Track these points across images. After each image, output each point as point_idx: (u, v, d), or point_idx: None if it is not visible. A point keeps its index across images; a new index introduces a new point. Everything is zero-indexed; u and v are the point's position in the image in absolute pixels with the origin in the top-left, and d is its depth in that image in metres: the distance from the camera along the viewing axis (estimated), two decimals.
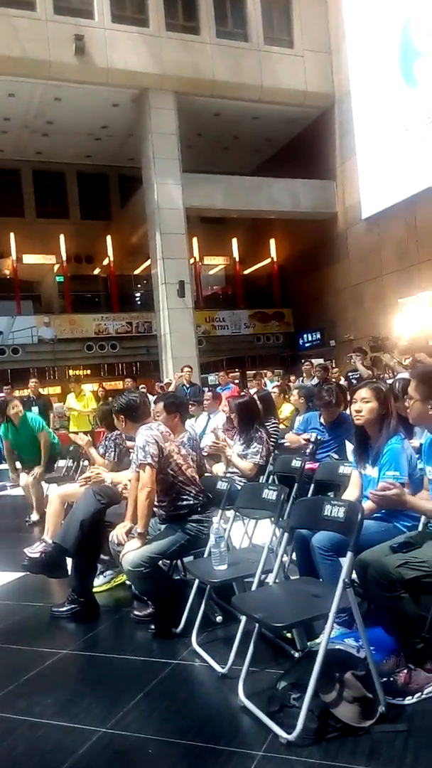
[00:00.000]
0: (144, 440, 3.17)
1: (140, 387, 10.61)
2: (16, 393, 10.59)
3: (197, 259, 20.84)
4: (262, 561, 2.76)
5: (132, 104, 16.15)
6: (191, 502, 3.27)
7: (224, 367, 18.51)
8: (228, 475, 4.35)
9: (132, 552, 3.04)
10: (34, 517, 6.27)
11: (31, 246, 20.41)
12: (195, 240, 19.80)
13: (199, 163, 17.89)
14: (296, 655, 2.65)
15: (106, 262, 21.02)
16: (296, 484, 3.64)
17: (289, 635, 2.76)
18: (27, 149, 19.71)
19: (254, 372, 14.04)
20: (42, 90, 15.37)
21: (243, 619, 2.60)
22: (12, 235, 19.65)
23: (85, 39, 14.36)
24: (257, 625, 2.44)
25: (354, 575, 2.46)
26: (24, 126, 17.83)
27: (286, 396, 7.27)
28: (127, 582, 3.82)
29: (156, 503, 3.23)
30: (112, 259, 20.57)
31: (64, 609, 3.52)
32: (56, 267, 21.03)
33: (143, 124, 15.99)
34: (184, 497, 3.26)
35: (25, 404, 9.45)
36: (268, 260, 22.06)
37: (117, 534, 3.22)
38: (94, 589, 3.67)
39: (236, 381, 12.18)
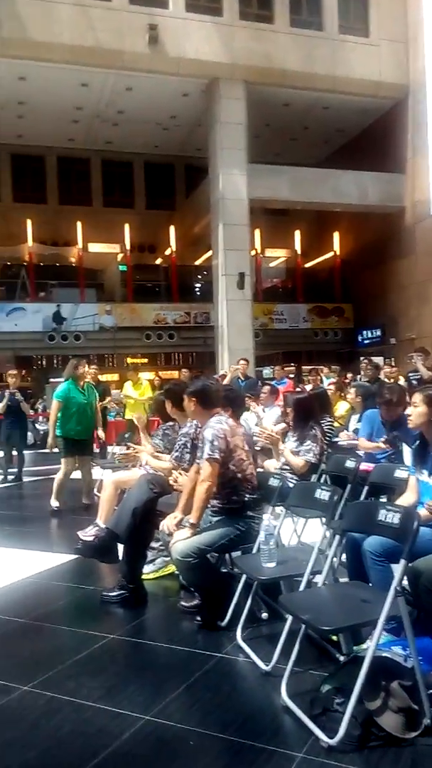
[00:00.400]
0: (213, 434, 3.16)
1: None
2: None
3: (258, 251, 20.74)
4: (312, 561, 2.73)
5: (201, 94, 16.16)
6: (246, 498, 3.27)
7: (280, 361, 18.38)
8: (280, 471, 4.33)
9: (181, 542, 3.07)
10: (54, 503, 6.39)
11: (96, 235, 20.78)
12: (257, 231, 19.70)
13: (265, 153, 17.76)
14: (341, 659, 2.62)
15: (168, 252, 21.19)
16: (349, 486, 3.58)
17: (335, 638, 2.73)
18: (97, 139, 20.04)
19: (311, 367, 13.87)
20: (114, 80, 15.57)
21: (289, 618, 2.59)
22: (79, 224, 20.05)
23: (159, 28, 14.43)
24: (303, 625, 2.42)
25: (405, 582, 2.41)
26: (95, 116, 18.13)
27: (342, 394, 7.15)
28: (176, 572, 3.87)
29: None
30: (174, 249, 20.72)
31: (114, 594, 3.59)
32: (120, 256, 21.34)
33: (211, 114, 15.98)
34: (240, 493, 3.26)
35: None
36: (331, 254, 21.72)
37: (167, 524, 3.25)
38: (143, 577, 3.73)
39: (291, 376, 12.06)
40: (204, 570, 3.18)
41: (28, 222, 19.62)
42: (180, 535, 3.10)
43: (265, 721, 2.34)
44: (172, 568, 3.91)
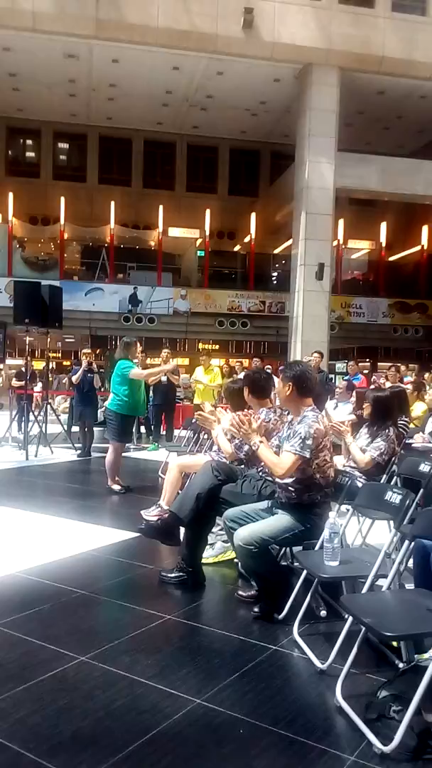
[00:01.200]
0: (308, 431, 3.10)
1: (265, 367, 10.60)
2: (148, 360, 10.99)
3: (340, 242, 20.33)
4: (377, 564, 2.66)
5: (293, 80, 15.90)
6: (318, 498, 3.21)
7: (355, 356, 18.04)
8: (347, 468, 4.23)
9: (245, 529, 3.06)
10: (116, 487, 6.46)
11: (177, 219, 20.96)
12: (341, 221, 19.30)
13: (355, 142, 17.33)
14: (401, 666, 2.55)
15: (247, 239, 21.11)
16: (422, 490, 3.45)
17: (395, 644, 2.65)
18: (185, 123, 20.13)
19: (390, 364, 13.52)
20: (206, 64, 15.54)
21: (349, 619, 2.53)
22: (161, 207, 20.26)
23: (255, 12, 14.27)
24: (363, 628, 2.36)
25: None
26: (185, 99, 18.20)
27: (420, 394, 6.91)
28: (235, 559, 3.86)
29: (284, 485, 3.21)
30: (253, 236, 20.61)
31: (173, 575, 3.63)
32: (198, 241, 21.45)
33: (303, 100, 15.70)
34: (314, 492, 3.20)
35: None
36: (418, 248, 21.03)
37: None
38: (202, 561, 3.75)
39: (365, 372, 11.79)
40: (264, 559, 3.16)
41: (112, 204, 20.01)
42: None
43: (317, 719, 2.30)
44: (231, 554, 3.91)
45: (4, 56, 15.67)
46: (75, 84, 17.45)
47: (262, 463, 3.32)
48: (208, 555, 3.97)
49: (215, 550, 4.04)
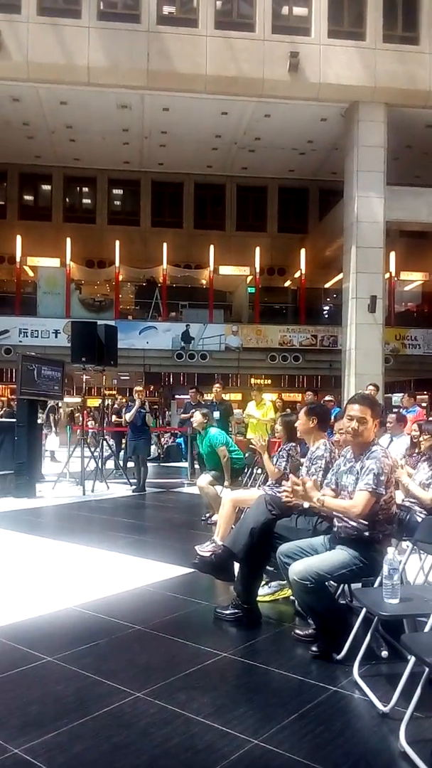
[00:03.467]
0: (380, 467, 3.05)
1: (326, 398, 10.50)
2: (202, 397, 11.08)
3: (393, 274, 20.18)
4: None
5: (340, 118, 16.13)
6: (379, 534, 3.11)
7: (412, 388, 17.66)
8: (407, 503, 4.11)
9: (300, 563, 2.99)
10: (214, 517, 6.44)
11: (227, 258, 21.31)
12: (392, 254, 19.19)
13: (405, 175, 17.31)
14: None
15: (297, 274, 21.22)
16: None
17: None
18: (234, 165, 20.63)
19: None
20: (253, 107, 15.97)
21: (411, 659, 2.42)
22: (212, 247, 20.65)
23: (300, 55, 14.64)
24: (427, 668, 2.25)
25: None
26: (233, 142, 18.69)
27: None
28: (291, 598, 3.78)
29: (346, 520, 3.15)
30: (303, 272, 20.71)
31: (228, 612, 3.57)
32: (249, 278, 21.69)
33: (350, 138, 15.88)
34: (377, 529, 3.10)
35: (208, 408, 9.93)
36: None
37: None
38: (258, 599, 3.69)
39: (423, 405, 11.53)
40: (320, 595, 3.06)
41: (164, 245, 20.54)
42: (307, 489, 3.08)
43: (380, 764, 2.20)
44: (287, 592, 3.83)
45: (61, 109, 16.52)
46: (128, 132, 18.19)
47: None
48: (264, 593, 3.91)
49: (271, 588, 3.97)
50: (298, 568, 2.97)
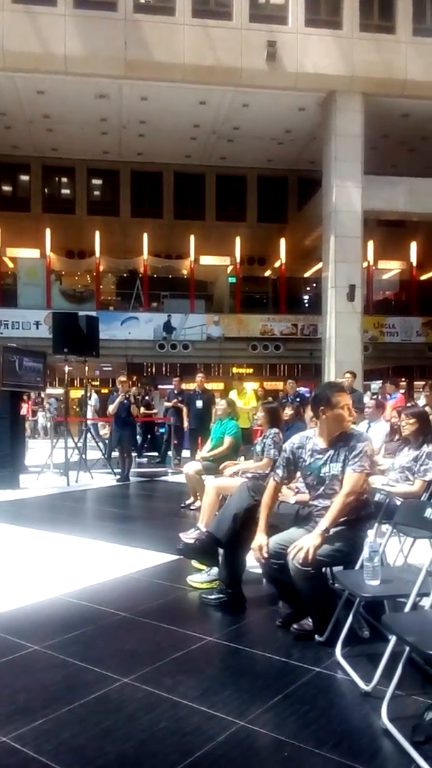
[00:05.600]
0: (372, 450, 3.16)
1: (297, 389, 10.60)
2: (183, 386, 11.11)
3: (371, 263, 20.31)
4: (419, 582, 2.61)
5: (317, 107, 16.15)
6: (371, 510, 3.19)
7: (390, 375, 17.85)
8: (386, 488, 4.18)
9: (303, 551, 3.00)
10: (189, 501, 6.50)
11: (208, 248, 21.28)
12: (370, 243, 19.30)
13: (381, 165, 17.42)
14: None
15: (277, 264, 21.27)
16: None
17: None
18: (212, 155, 20.56)
19: (423, 382, 13.35)
20: (231, 97, 15.92)
21: (392, 639, 2.48)
22: (192, 237, 20.61)
23: (277, 44, 14.60)
24: (407, 648, 2.31)
25: None
26: (212, 132, 18.62)
27: None
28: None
29: (329, 505, 3.17)
30: (284, 261, 20.76)
31: (213, 597, 3.62)
32: (230, 268, 21.69)
33: (327, 127, 15.91)
34: (365, 508, 3.18)
35: (191, 397, 9.96)
36: None
37: (254, 552, 3.19)
38: (193, 584, 3.75)
39: (402, 391, 11.67)
40: (319, 581, 3.09)
41: (144, 236, 20.44)
42: (308, 542, 2.96)
43: (363, 742, 2.25)
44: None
45: (38, 99, 16.32)
46: (106, 122, 18.04)
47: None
48: (202, 579, 3.95)
49: (210, 576, 3.95)
50: (301, 556, 2.97)
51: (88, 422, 10.93)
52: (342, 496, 3.06)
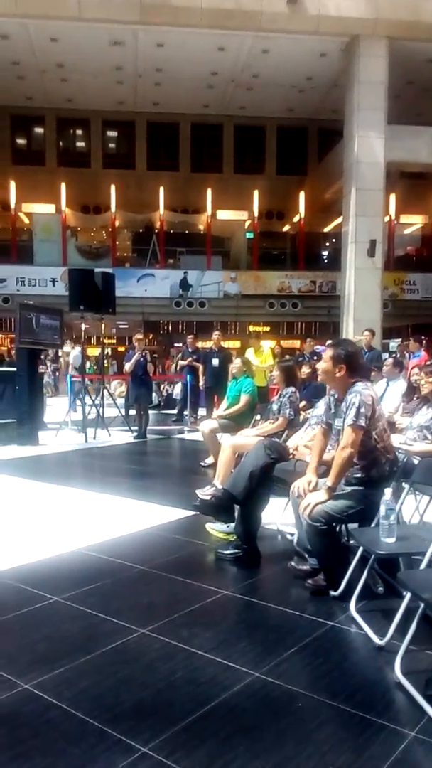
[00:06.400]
0: (361, 400, 3.05)
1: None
2: (199, 344, 11.08)
3: (392, 217, 19.82)
4: None
5: (340, 53, 15.52)
6: (385, 471, 3.16)
7: (410, 333, 17.61)
8: (404, 447, 4.15)
9: (310, 506, 3.04)
10: (209, 460, 6.54)
11: (225, 202, 20.88)
12: (392, 196, 18.80)
13: (406, 114, 16.80)
14: None
15: (296, 218, 20.84)
16: None
17: None
18: (231, 104, 19.96)
19: None
20: (251, 43, 15.34)
21: (407, 595, 2.50)
22: (209, 191, 20.20)
23: None
24: (422, 604, 2.32)
25: None
26: (231, 80, 18.03)
27: None
28: (289, 536, 3.88)
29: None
30: (303, 216, 20.32)
31: (228, 552, 3.67)
32: (247, 223, 21.30)
33: (350, 74, 15.31)
34: (380, 465, 3.15)
35: (207, 356, 9.93)
36: None
37: (300, 486, 3.22)
38: (217, 534, 3.81)
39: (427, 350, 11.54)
40: (330, 537, 3.13)
41: (161, 189, 20.08)
42: (314, 498, 3.05)
43: (376, 695, 2.28)
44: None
45: (51, 47, 15.88)
46: (121, 71, 17.54)
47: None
48: (221, 529, 4.02)
49: (229, 527, 4.00)
50: (307, 511, 3.02)
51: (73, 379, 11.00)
52: (338, 450, 3.08)
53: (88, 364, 9.21)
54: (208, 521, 4.22)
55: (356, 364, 3.23)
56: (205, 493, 4.76)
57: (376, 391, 3.24)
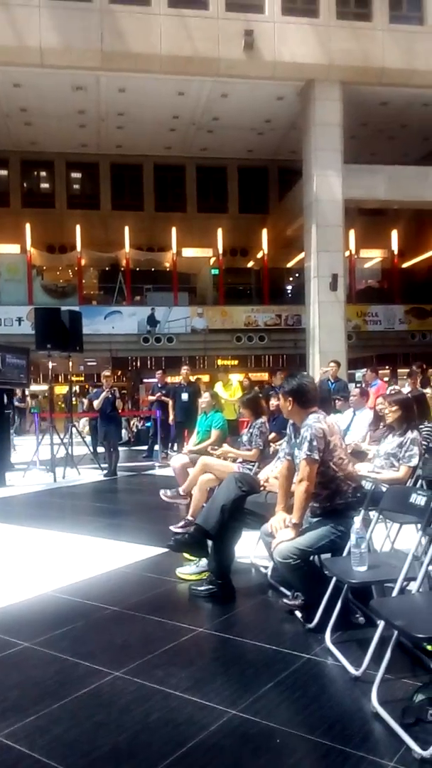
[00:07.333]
0: (312, 433, 3.12)
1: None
2: (168, 379, 11.10)
3: (352, 252, 20.37)
4: (405, 567, 2.64)
5: (296, 97, 16.11)
6: (349, 498, 3.21)
7: (375, 363, 17.94)
8: (372, 475, 4.21)
9: (282, 544, 3.05)
10: (171, 492, 6.45)
11: (190, 240, 21.20)
12: (352, 232, 19.35)
13: (361, 153, 17.47)
14: None
15: (260, 255, 21.26)
16: None
17: (429, 647, 2.62)
18: (192, 146, 20.43)
19: (408, 370, 13.44)
20: (210, 87, 15.82)
21: (381, 624, 2.51)
22: (174, 229, 20.50)
23: (254, 33, 14.53)
24: (396, 632, 2.34)
25: None
26: (191, 123, 18.50)
27: None
28: (263, 570, 3.87)
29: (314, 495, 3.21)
30: (266, 252, 20.75)
31: (203, 588, 3.63)
32: (212, 260, 21.64)
33: (307, 116, 15.88)
34: (343, 493, 3.20)
35: (176, 390, 9.95)
36: (431, 253, 20.99)
37: (273, 524, 3.24)
38: (185, 577, 3.79)
39: (385, 378, 11.76)
40: (306, 571, 3.14)
41: (126, 229, 20.30)
42: (283, 536, 3.09)
43: (354, 726, 2.28)
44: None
45: (14, 92, 16.11)
46: (84, 115, 17.85)
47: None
48: (191, 571, 3.96)
49: (199, 567, 3.96)
50: (279, 548, 3.04)
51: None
52: (296, 485, 3.13)
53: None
54: (179, 562, 4.17)
55: (304, 397, 3.30)
56: (177, 528, 4.74)
57: (330, 423, 3.29)
